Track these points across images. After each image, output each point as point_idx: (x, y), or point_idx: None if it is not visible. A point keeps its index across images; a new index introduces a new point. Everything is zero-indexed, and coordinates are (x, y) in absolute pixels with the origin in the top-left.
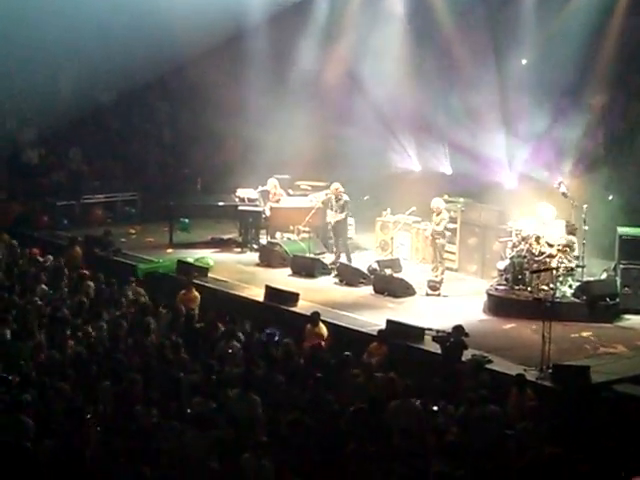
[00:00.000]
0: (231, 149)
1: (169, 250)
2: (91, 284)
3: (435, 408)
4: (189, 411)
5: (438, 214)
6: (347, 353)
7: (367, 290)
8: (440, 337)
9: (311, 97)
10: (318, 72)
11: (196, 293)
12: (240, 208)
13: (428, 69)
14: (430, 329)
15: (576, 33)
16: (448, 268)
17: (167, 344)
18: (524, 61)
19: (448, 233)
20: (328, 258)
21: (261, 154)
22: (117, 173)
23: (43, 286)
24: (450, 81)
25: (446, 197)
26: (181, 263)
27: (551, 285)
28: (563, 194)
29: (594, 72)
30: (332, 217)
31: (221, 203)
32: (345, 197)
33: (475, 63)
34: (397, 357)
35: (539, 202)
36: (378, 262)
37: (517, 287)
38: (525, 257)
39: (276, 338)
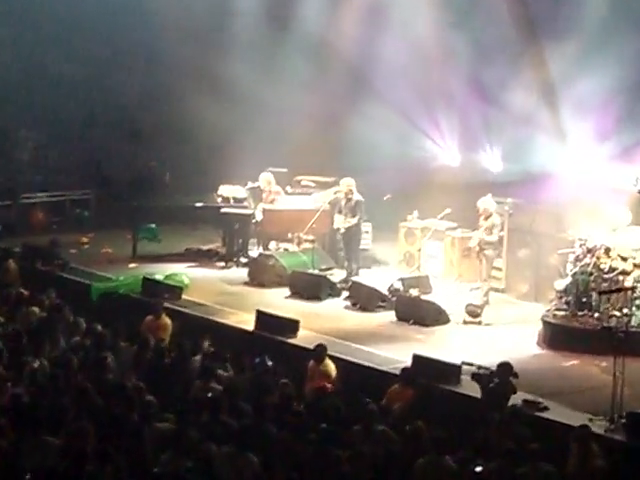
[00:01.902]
0: (213, 135)
1: (132, 265)
2: (33, 309)
3: (478, 469)
4: (156, 470)
5: (487, 218)
6: (368, 400)
7: (388, 316)
8: (481, 376)
9: (315, 68)
10: (324, 35)
11: (167, 320)
12: (224, 211)
13: (484, 39)
14: (469, 364)
15: None
16: (492, 288)
17: (129, 385)
18: None
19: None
20: (337, 275)
21: (251, 141)
22: (66, 165)
23: None
24: (512, 58)
25: (490, 197)
26: (148, 282)
27: (625, 310)
28: None
29: None
30: (342, 222)
31: (199, 204)
32: (358, 196)
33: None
34: (426, 403)
35: (610, 204)
36: (402, 280)
37: (581, 313)
38: (591, 274)
39: (268, 364)
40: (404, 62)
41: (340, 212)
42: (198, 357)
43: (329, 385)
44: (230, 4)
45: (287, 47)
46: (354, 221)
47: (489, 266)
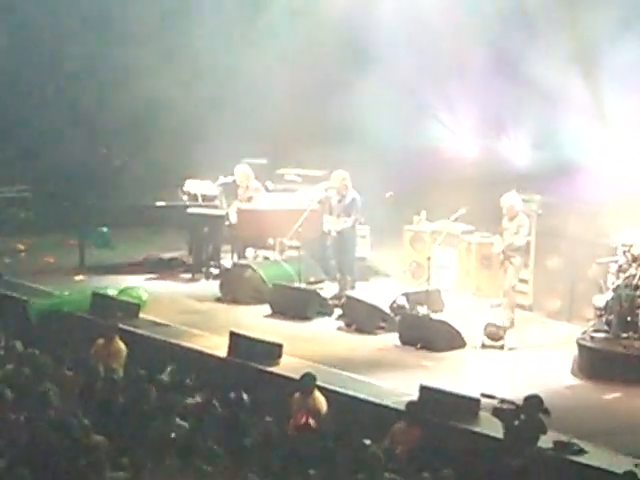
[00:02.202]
0: (175, 118)
1: (79, 277)
2: None
3: None
4: None
5: (512, 218)
6: (367, 442)
7: (390, 339)
8: (504, 412)
9: (301, 36)
10: None
11: (121, 344)
12: (190, 211)
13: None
14: (490, 397)
15: None
16: (518, 305)
17: (74, 422)
18: None
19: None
20: (328, 289)
21: (223, 126)
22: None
23: None
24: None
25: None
26: (98, 298)
27: None
28: None
29: None
30: (334, 225)
31: (160, 203)
32: (354, 193)
33: None
34: (436, 445)
35: None
36: (407, 295)
37: (625, 335)
38: (638, 288)
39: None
40: (409, 29)
41: (332, 212)
42: (157, 389)
43: (311, 422)
44: None
45: (265, 10)
46: (348, 223)
47: (515, 277)
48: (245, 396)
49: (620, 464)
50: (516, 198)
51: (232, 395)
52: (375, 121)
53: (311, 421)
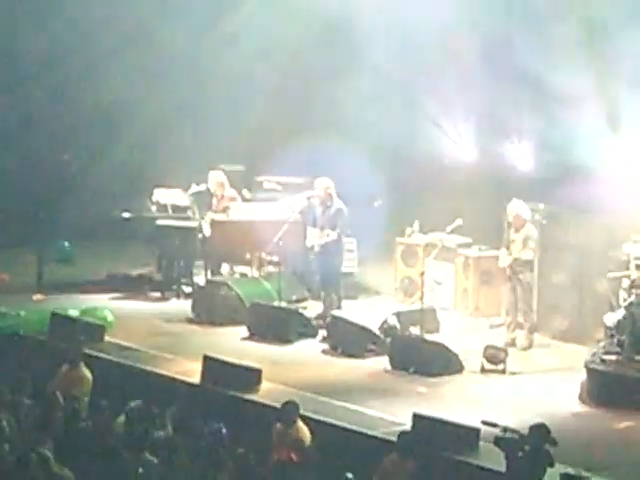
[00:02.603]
0: (142, 121)
1: (37, 296)
2: None
3: None
4: None
5: (519, 229)
6: (349, 476)
7: (380, 363)
8: (508, 442)
9: (280, 25)
10: None
11: (86, 372)
12: (159, 223)
13: None
14: (491, 425)
15: None
16: (519, 324)
17: (33, 457)
18: None
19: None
20: (312, 308)
21: (197, 128)
22: None
23: None
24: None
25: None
26: (58, 319)
27: None
28: None
29: None
30: (318, 238)
31: (126, 215)
32: (339, 203)
33: None
34: (431, 479)
35: None
36: (399, 315)
37: (638, 356)
38: None
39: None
40: (401, 25)
41: (315, 224)
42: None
43: (293, 456)
44: None
45: (241, 8)
46: (334, 236)
47: (527, 295)
48: (223, 427)
49: None
50: (523, 207)
51: (207, 426)
52: (363, 124)
53: (293, 455)
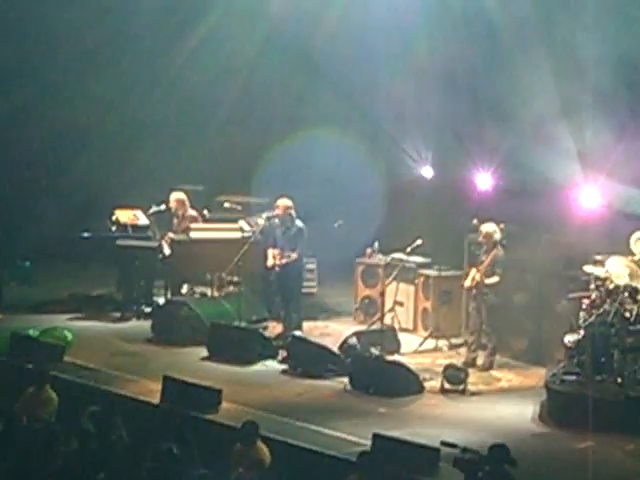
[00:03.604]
0: (102, 137)
1: None
2: None
3: None
4: None
5: (489, 251)
6: None
7: (340, 384)
8: (467, 463)
9: (247, 40)
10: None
11: (52, 393)
12: (119, 243)
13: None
14: (451, 445)
15: None
16: (481, 345)
17: None
18: None
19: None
20: (273, 329)
21: (156, 147)
22: None
23: None
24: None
25: (475, 222)
26: (18, 339)
27: None
28: None
29: None
30: (278, 258)
31: (86, 234)
32: (299, 223)
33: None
34: None
35: (636, 231)
36: (359, 335)
37: (599, 377)
38: (613, 325)
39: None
40: (362, 37)
41: (276, 245)
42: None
43: (254, 477)
44: None
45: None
46: (294, 256)
47: (491, 316)
48: (174, 448)
49: None
50: (493, 227)
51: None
52: (323, 142)
53: (253, 475)
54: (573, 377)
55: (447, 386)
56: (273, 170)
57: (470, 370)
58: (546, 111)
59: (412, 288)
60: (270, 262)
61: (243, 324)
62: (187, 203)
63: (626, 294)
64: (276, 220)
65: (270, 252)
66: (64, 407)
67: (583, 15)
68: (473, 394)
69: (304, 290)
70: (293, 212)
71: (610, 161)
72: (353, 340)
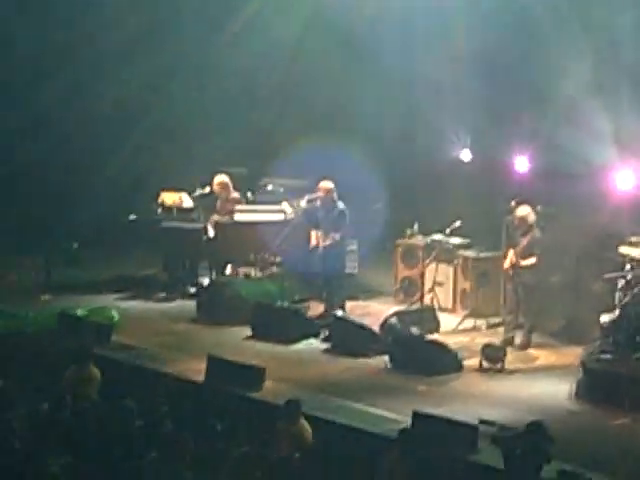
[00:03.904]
0: (149, 121)
1: (45, 296)
2: None
3: None
4: None
5: (525, 233)
6: None
7: (381, 362)
8: (505, 440)
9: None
10: None
11: (95, 371)
12: (165, 225)
13: None
14: (489, 424)
15: None
16: (518, 325)
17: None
18: None
19: None
20: (315, 308)
21: (200, 130)
22: None
23: None
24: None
25: (513, 204)
26: (66, 318)
27: None
28: None
29: None
30: (321, 239)
31: (132, 217)
32: (341, 205)
33: None
34: (431, 475)
35: None
36: (399, 315)
37: (635, 356)
38: None
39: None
40: (401, 20)
41: (318, 227)
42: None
43: (297, 453)
44: None
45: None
46: (337, 238)
47: (528, 296)
48: (218, 426)
49: None
50: (530, 212)
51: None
52: (364, 126)
53: (296, 452)
54: (609, 356)
55: (485, 364)
56: (314, 153)
57: (508, 349)
58: (582, 94)
59: (451, 269)
60: (313, 243)
61: (286, 304)
62: (230, 186)
63: None
64: (318, 202)
65: (313, 234)
66: (109, 385)
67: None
68: (511, 372)
69: (348, 270)
70: (335, 194)
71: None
72: (393, 320)
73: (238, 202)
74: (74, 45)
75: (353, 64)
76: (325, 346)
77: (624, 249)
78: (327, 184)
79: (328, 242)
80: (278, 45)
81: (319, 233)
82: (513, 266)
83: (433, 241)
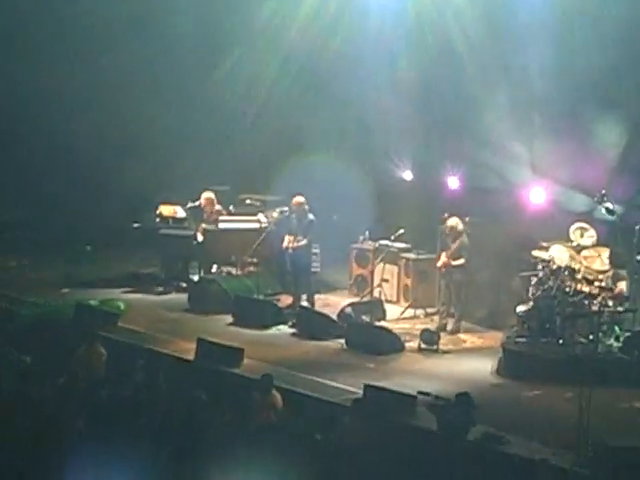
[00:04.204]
0: (149, 148)
1: (65, 289)
2: None
3: None
4: None
5: (455, 239)
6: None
7: (338, 345)
8: (438, 407)
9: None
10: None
11: (101, 349)
12: (162, 232)
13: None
14: (426, 394)
15: None
16: (450, 314)
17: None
18: None
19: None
20: (284, 300)
21: (191, 156)
22: None
23: None
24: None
25: (445, 216)
26: (81, 308)
27: (591, 336)
28: (607, 210)
29: None
30: (291, 243)
31: (136, 225)
32: (311, 216)
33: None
34: (378, 437)
35: (574, 223)
36: (353, 306)
37: (544, 339)
38: (555, 298)
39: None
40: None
41: (291, 233)
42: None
43: (271, 418)
44: None
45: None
46: (304, 242)
47: (458, 291)
48: (204, 396)
49: (540, 452)
50: (458, 222)
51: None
52: (325, 149)
53: (270, 417)
54: (524, 339)
55: (423, 346)
56: (286, 173)
57: (441, 333)
58: (502, 124)
59: (395, 268)
60: (285, 244)
61: (261, 297)
62: (215, 201)
63: (566, 273)
64: (292, 213)
65: (286, 238)
66: (116, 363)
67: (530, 44)
68: (444, 353)
69: (312, 269)
70: (306, 207)
71: (552, 166)
72: (348, 309)
73: (221, 214)
74: (85, 82)
75: (318, 99)
76: (292, 331)
77: (536, 252)
78: (299, 198)
79: (297, 244)
80: (257, 83)
81: (291, 238)
82: (445, 266)
83: (381, 245)
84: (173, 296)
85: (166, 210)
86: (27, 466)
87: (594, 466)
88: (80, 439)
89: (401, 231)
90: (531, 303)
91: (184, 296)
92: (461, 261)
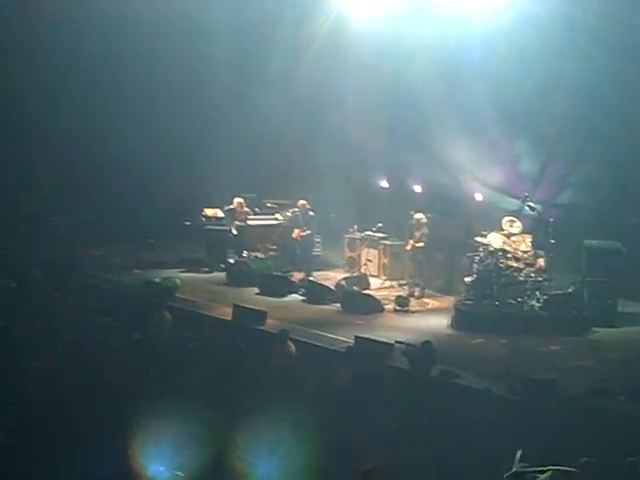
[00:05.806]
0: (195, 164)
1: (137, 271)
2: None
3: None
4: None
5: (419, 229)
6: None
7: (335, 308)
8: (410, 352)
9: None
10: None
11: (168, 315)
12: (207, 227)
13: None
14: (401, 343)
15: None
16: (417, 284)
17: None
18: None
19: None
20: (296, 276)
21: (228, 167)
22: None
23: None
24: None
25: (412, 212)
26: (150, 284)
27: (519, 299)
28: (530, 207)
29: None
30: (300, 233)
31: (188, 223)
32: (311, 213)
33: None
34: (366, 375)
35: (506, 216)
36: (345, 279)
37: (485, 301)
38: (492, 272)
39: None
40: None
41: (299, 226)
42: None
43: (287, 360)
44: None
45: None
46: (309, 232)
47: (421, 267)
48: (242, 345)
49: (482, 383)
50: (422, 216)
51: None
52: (326, 168)
53: (286, 360)
54: (470, 302)
55: (397, 308)
56: (295, 184)
57: (410, 298)
58: (453, 144)
59: (377, 252)
60: (294, 235)
61: (278, 273)
62: (244, 204)
63: (500, 253)
64: (299, 212)
65: (295, 230)
66: (176, 323)
67: (473, 80)
68: (412, 312)
69: (314, 253)
70: (308, 207)
71: (489, 175)
72: (342, 282)
73: (249, 214)
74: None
75: (320, 130)
76: (302, 298)
77: (478, 238)
78: (303, 201)
79: (303, 234)
80: (270, 116)
81: (299, 230)
82: (412, 249)
83: (366, 235)
84: (215, 274)
85: (209, 212)
86: (109, 412)
87: (521, 393)
88: (154, 384)
89: (380, 224)
90: (475, 275)
91: (223, 274)
92: (422, 244)
